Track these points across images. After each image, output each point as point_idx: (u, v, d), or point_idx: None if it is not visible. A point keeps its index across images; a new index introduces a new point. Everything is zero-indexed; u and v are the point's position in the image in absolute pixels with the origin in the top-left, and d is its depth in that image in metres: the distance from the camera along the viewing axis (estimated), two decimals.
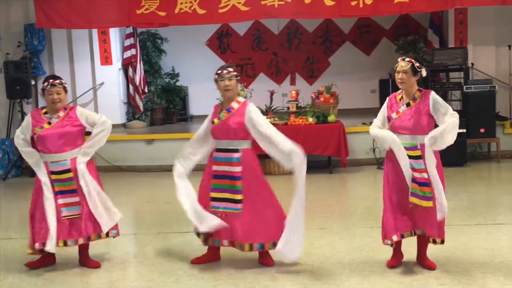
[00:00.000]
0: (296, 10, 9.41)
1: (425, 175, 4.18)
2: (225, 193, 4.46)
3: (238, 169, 4.42)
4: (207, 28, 12.41)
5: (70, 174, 4.55)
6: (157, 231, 5.88)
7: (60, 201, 4.55)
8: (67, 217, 4.55)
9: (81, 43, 11.17)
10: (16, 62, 10.08)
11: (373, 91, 12.82)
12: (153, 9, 9.50)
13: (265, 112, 9.55)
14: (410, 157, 4.22)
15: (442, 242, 4.29)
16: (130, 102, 11.82)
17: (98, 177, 4.74)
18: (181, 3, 9.43)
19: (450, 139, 4.11)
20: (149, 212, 7.03)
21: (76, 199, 4.56)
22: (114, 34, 11.41)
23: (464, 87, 9.28)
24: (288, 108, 9.63)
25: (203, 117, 12.71)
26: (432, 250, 4.47)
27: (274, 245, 4.42)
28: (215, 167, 4.50)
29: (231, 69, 4.48)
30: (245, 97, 9.51)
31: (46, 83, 4.61)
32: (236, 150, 4.43)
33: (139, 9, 9.52)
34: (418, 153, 4.21)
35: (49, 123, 4.59)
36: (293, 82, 12.92)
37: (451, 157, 8.72)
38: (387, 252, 4.54)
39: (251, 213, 4.43)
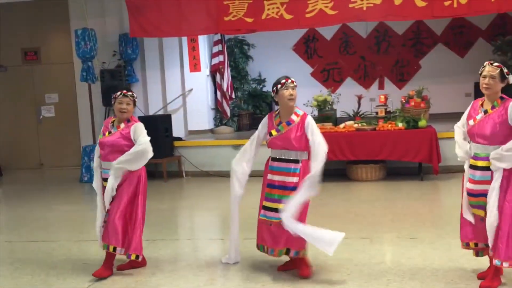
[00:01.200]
0: (386, 12, 9.14)
1: (487, 186, 3.97)
2: (278, 203, 4.46)
3: (295, 179, 4.41)
4: (293, 33, 12.38)
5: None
6: (244, 237, 5.87)
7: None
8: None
9: (171, 51, 11.50)
10: (111, 71, 10.54)
11: (468, 95, 12.21)
12: (240, 16, 9.60)
13: (352, 118, 9.37)
14: (482, 168, 3.99)
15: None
16: (217, 108, 12.01)
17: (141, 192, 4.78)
18: (268, 9, 9.45)
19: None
20: None
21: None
22: (203, 41, 11.65)
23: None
24: (377, 113, 9.41)
25: None
26: None
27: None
28: (270, 176, 4.57)
29: (294, 79, 4.53)
30: (332, 102, 9.49)
31: (119, 93, 4.78)
32: (296, 161, 4.45)
33: (227, 16, 9.64)
34: (488, 164, 3.98)
35: (109, 132, 4.80)
36: (381, 87, 12.60)
37: None
38: (482, 264, 4.28)
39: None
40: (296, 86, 4.55)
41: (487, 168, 3.98)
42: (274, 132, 4.53)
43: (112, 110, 10.44)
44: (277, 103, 4.59)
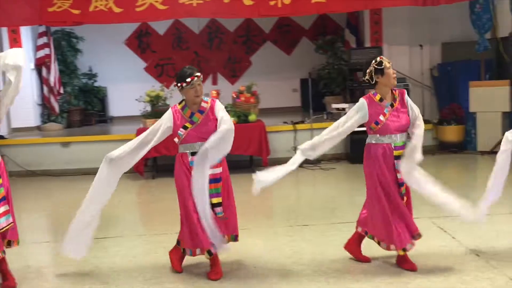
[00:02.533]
0: (215, 9, 9.34)
1: None
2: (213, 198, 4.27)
3: (219, 170, 4.29)
4: (126, 27, 12.12)
5: None
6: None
7: None
8: None
9: None
10: None
11: (295, 90, 13.00)
12: (66, 7, 9.11)
13: None
14: (400, 157, 4.25)
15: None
16: (45, 104, 11.33)
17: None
18: (96, 1, 9.10)
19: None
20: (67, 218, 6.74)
21: None
22: (26, 33, 10.89)
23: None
24: None
25: (124, 118, 12.47)
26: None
27: (235, 237, 4.43)
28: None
29: (199, 74, 4.25)
30: (165, 98, 9.45)
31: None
32: None
33: (51, 6, 9.10)
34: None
35: None
36: (214, 82, 12.86)
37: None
38: (310, 251, 4.58)
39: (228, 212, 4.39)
40: (201, 80, 4.27)
41: None
42: (189, 125, 4.25)
43: None
44: None
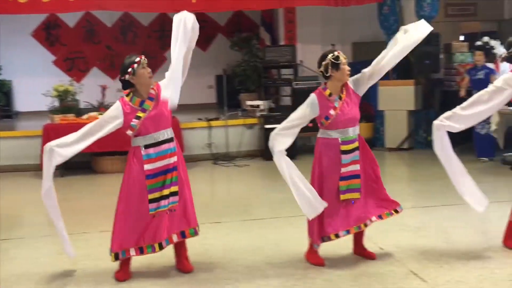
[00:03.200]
0: (128, 2, 9.15)
1: (357, 166, 4.27)
2: (165, 189, 4.07)
3: (174, 159, 4.11)
4: (33, 18, 11.56)
5: None
6: None
7: None
8: None
9: None
10: None
11: (210, 87, 12.95)
12: None
13: (97, 108, 9.15)
14: (348, 151, 4.25)
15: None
16: None
17: None
18: None
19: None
20: None
21: None
22: None
23: (294, 83, 9.73)
24: None
25: (31, 113, 11.92)
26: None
27: (195, 232, 4.24)
28: (149, 166, 4.06)
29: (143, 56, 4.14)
30: (74, 93, 9.13)
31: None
32: (171, 140, 4.12)
33: None
34: (357, 144, 4.30)
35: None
36: None
37: None
38: (221, 248, 4.55)
39: (182, 202, 4.19)
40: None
41: (356, 149, 4.26)
42: (141, 114, 4.02)
43: None
44: (128, 86, 4.11)
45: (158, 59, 12.79)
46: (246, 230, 5.38)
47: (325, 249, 4.44)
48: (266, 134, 9.22)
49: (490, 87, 4.48)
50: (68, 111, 8.80)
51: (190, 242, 4.86)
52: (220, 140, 9.51)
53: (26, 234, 5.56)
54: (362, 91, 4.37)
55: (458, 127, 4.48)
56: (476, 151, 8.56)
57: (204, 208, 6.46)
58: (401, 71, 10.45)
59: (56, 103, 8.98)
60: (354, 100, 4.30)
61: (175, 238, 4.17)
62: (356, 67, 11.34)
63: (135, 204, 4.10)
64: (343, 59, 4.22)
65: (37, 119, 9.79)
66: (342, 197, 4.30)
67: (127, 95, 4.14)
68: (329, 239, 4.32)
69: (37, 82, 10.87)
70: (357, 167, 4.30)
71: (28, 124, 10.25)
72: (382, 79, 9.94)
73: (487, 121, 8.05)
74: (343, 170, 4.27)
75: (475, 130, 8.39)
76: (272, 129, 9.57)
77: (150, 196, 4.08)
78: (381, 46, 10.19)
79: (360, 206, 4.36)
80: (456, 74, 9.71)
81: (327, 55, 4.24)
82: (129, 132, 4.08)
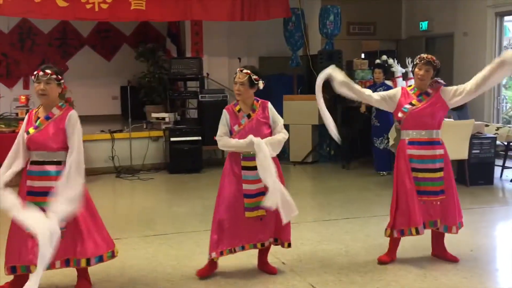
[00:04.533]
0: (26, 8, 8.66)
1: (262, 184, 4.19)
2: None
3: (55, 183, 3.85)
4: None
5: None
6: None
7: None
8: None
9: None
10: None
11: (115, 98, 12.59)
12: None
13: None
14: (251, 168, 4.17)
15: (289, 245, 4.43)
16: None
17: None
18: None
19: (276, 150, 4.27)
20: None
21: None
22: None
23: (200, 96, 9.67)
24: (17, 114, 8.82)
25: None
26: None
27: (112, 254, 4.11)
28: (29, 183, 3.89)
29: (49, 71, 3.87)
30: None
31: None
32: (58, 163, 3.88)
33: None
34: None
35: None
36: (26, 86, 11.91)
37: (187, 164, 9.03)
38: (118, 265, 4.38)
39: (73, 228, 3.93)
40: (53, 79, 3.86)
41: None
42: (31, 130, 3.88)
43: None
44: None
45: (59, 68, 12.25)
46: (147, 246, 5.22)
47: (229, 264, 4.39)
48: (171, 147, 9.09)
49: (385, 93, 4.76)
50: None
51: None
52: (124, 152, 9.24)
53: None
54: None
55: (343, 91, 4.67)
56: (375, 165, 8.89)
57: (105, 224, 6.22)
58: (305, 86, 10.71)
59: None
60: (265, 120, 4.30)
61: (58, 264, 3.96)
62: (263, 80, 11.50)
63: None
64: (236, 77, 4.28)
65: None
66: (248, 214, 4.26)
67: (37, 107, 4.06)
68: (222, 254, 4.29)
69: None
70: (262, 185, 4.21)
71: None
72: (287, 93, 10.26)
73: (385, 137, 8.41)
74: (245, 186, 4.25)
75: (374, 145, 8.72)
76: (177, 142, 9.54)
77: None
78: (287, 61, 10.55)
79: (264, 224, 4.32)
80: None
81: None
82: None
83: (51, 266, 3.87)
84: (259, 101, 4.37)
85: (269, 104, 4.40)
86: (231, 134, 4.29)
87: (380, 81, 8.66)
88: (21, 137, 3.96)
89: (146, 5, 9.14)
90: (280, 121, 4.37)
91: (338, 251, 5.02)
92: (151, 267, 4.61)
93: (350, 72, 10.52)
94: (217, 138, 4.34)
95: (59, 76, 3.97)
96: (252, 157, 4.19)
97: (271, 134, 4.32)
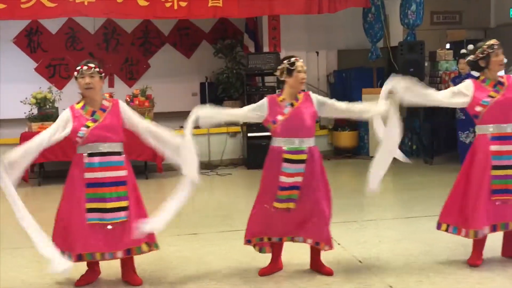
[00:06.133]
0: (108, 9, 8.98)
1: (299, 178, 4.12)
2: (109, 203, 4.00)
3: (123, 173, 4.06)
4: (14, 24, 11.34)
5: None
6: None
7: None
8: None
9: None
10: None
11: (194, 94, 12.79)
12: None
13: None
14: (294, 161, 4.12)
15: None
16: None
17: None
18: None
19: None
20: None
21: None
22: None
23: (277, 91, 9.59)
24: None
25: (14, 121, 11.67)
26: None
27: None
28: (89, 175, 4.01)
29: (92, 65, 4.03)
30: (53, 100, 8.96)
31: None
32: (119, 153, 4.08)
33: None
34: (304, 156, 4.14)
35: None
36: (111, 84, 12.35)
37: (264, 159, 9.00)
38: (195, 261, 4.41)
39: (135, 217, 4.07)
40: (96, 72, 4.01)
41: (303, 161, 4.11)
42: (90, 124, 4.00)
43: None
44: None
45: (141, 66, 12.64)
46: (223, 243, 5.23)
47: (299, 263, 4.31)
48: (249, 142, 9.12)
49: (454, 88, 4.43)
50: (46, 119, 8.62)
51: (164, 255, 4.72)
52: (202, 148, 9.34)
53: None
54: (322, 113, 4.32)
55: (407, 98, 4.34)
56: (460, 161, 8.46)
57: (181, 219, 6.31)
58: (386, 79, 10.38)
59: (34, 111, 8.80)
60: (309, 109, 4.19)
61: (119, 254, 4.07)
62: (342, 74, 11.36)
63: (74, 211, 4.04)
64: (299, 66, 4.14)
65: (18, 126, 9.59)
66: (276, 204, 4.20)
67: (77, 103, 4.14)
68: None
69: (18, 89, 10.64)
70: (299, 179, 4.15)
71: (8, 132, 10.03)
72: (366, 87, 9.97)
73: (471, 130, 7.97)
74: (282, 179, 4.15)
75: (459, 140, 8.31)
76: (255, 137, 9.49)
77: (88, 205, 4.02)
78: (366, 53, 10.28)
79: (292, 217, 4.22)
80: (441, 82, 9.65)
81: (284, 60, 4.20)
82: (78, 140, 4.03)
83: (113, 256, 4.02)
84: (302, 93, 4.28)
85: (311, 93, 4.31)
86: (274, 123, 4.15)
87: (465, 72, 8.22)
88: (51, 132, 4.02)
89: (223, 2, 9.23)
90: (332, 101, 4.32)
91: (419, 251, 4.78)
92: (226, 263, 4.61)
93: (433, 63, 10.11)
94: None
95: (101, 70, 4.09)
96: (295, 150, 4.12)
97: (314, 125, 4.23)
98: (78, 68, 4.03)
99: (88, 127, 3.99)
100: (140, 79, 12.48)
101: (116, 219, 4.02)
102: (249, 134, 9.07)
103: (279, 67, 4.19)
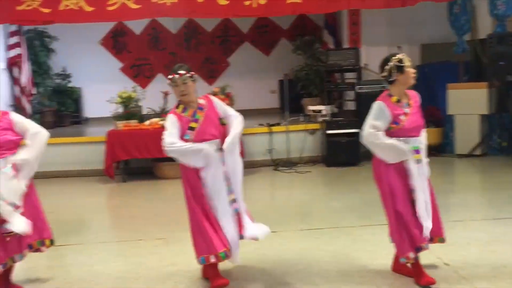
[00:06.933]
0: (190, 9, 9.17)
1: None
2: None
3: None
4: (101, 26, 11.85)
5: None
6: None
7: None
8: None
9: None
10: None
11: (273, 92, 12.82)
12: (35, 6, 8.85)
13: (159, 114, 9.21)
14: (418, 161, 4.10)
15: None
16: (16, 105, 11.03)
17: None
18: (66, 0, 8.87)
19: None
20: None
21: None
22: None
23: (357, 87, 9.43)
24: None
25: (100, 119, 12.19)
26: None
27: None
28: None
29: (182, 72, 4.00)
30: (137, 99, 9.25)
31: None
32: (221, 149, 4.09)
33: (20, 5, 8.84)
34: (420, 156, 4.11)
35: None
36: None
37: (344, 157, 8.86)
38: (272, 259, 4.38)
39: None
40: (188, 77, 3.99)
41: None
42: (194, 125, 4.04)
43: None
44: None
45: (221, 65, 12.82)
46: (302, 241, 5.17)
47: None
48: (328, 139, 8.99)
49: None
50: (131, 117, 8.91)
51: (243, 253, 4.72)
52: (281, 145, 9.34)
53: (85, 240, 5.58)
54: None
55: None
56: None
57: (261, 216, 6.31)
58: (473, 73, 9.92)
59: (120, 110, 9.11)
60: (418, 110, 4.09)
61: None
62: (424, 69, 10.97)
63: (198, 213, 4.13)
64: (407, 61, 3.98)
65: (104, 125, 9.99)
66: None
67: (176, 107, 4.13)
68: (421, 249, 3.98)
69: (105, 89, 11.08)
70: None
71: (95, 130, 10.48)
72: (451, 81, 9.58)
73: None
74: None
75: None
76: (334, 134, 9.27)
77: None
78: (451, 47, 9.85)
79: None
80: None
81: (390, 58, 4.01)
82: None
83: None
84: (407, 91, 4.13)
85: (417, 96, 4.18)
86: (397, 124, 3.96)
87: None
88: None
89: None
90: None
91: (510, 254, 4.51)
92: (305, 262, 4.54)
93: None
94: (368, 132, 4.05)
95: (192, 73, 4.07)
96: (416, 149, 4.04)
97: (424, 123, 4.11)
98: (171, 77, 4.03)
99: (192, 128, 4.03)
100: (220, 77, 12.68)
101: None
102: (329, 132, 8.94)
103: (386, 68, 3.98)
